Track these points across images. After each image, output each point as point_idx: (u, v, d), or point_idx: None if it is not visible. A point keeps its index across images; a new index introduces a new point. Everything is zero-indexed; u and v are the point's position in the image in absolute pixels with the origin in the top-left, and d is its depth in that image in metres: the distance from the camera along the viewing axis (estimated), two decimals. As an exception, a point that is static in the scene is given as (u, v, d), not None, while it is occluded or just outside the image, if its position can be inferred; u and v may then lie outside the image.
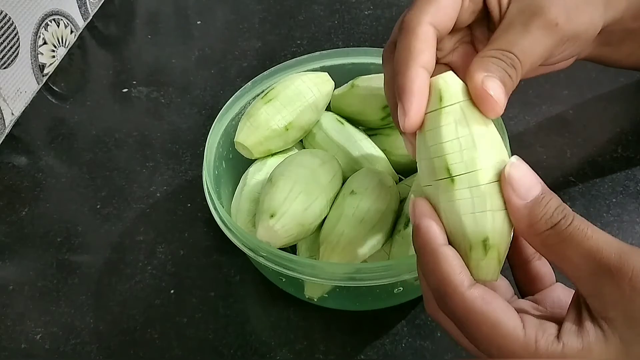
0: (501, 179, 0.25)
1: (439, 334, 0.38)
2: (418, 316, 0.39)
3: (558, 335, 0.24)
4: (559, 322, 0.25)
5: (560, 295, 0.29)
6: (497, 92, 0.26)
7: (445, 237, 0.26)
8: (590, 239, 0.24)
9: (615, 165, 0.47)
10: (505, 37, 0.30)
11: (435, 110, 0.27)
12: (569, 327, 0.24)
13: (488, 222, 0.25)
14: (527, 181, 0.25)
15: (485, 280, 0.26)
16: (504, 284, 0.29)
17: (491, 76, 0.27)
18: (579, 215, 0.25)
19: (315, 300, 0.38)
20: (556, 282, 0.30)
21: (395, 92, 0.28)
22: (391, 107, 0.32)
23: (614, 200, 0.44)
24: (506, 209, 0.25)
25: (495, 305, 0.24)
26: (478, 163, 0.25)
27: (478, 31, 0.34)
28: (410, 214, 0.27)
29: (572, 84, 0.54)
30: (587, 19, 0.32)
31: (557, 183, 0.46)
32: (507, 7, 0.31)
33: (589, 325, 0.24)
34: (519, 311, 0.26)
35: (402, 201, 0.38)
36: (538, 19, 0.30)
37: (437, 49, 0.30)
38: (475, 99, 0.26)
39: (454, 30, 0.33)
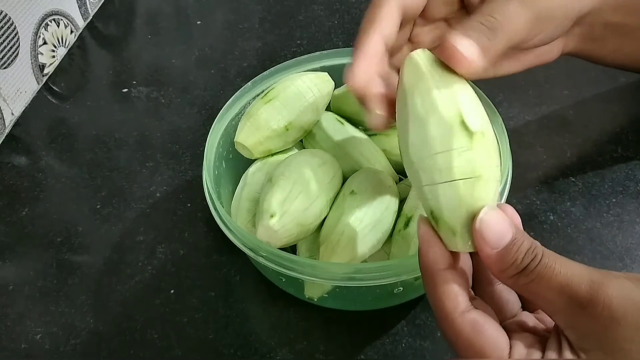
0: (472, 228, 0.25)
1: (439, 334, 0.38)
2: (418, 316, 0.39)
3: None
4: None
5: None
6: (467, 49, 0.27)
7: (449, 260, 0.27)
8: (558, 275, 0.24)
9: (615, 165, 0.47)
10: (485, 8, 0.30)
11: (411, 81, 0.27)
12: (549, 355, 0.25)
13: (435, 195, 0.26)
14: (498, 230, 0.25)
15: (452, 249, 0.27)
16: (513, 298, 0.29)
17: (462, 34, 0.28)
18: (549, 250, 0.25)
19: (315, 300, 0.38)
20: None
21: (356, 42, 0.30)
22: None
23: (614, 200, 0.44)
24: (458, 180, 0.26)
25: (484, 334, 0.25)
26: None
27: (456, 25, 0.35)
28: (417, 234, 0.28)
29: (572, 84, 0.54)
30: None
31: (557, 183, 0.46)
32: None
33: (567, 354, 0.24)
34: (520, 328, 0.26)
35: (402, 201, 0.38)
36: None
37: (412, 41, 0.32)
38: (442, 56, 0.27)
39: (430, 20, 0.33)
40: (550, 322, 0.28)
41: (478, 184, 0.26)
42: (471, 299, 0.26)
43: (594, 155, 0.48)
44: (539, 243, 0.25)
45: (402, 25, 0.33)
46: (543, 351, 0.25)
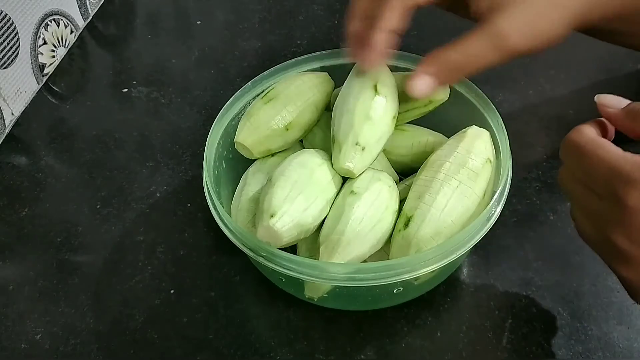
0: (597, 106, 0.33)
1: (439, 334, 0.38)
2: (418, 316, 0.39)
3: None
4: None
5: None
6: (421, 88, 0.35)
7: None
8: None
9: (615, 165, 0.47)
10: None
11: None
12: None
13: None
14: (613, 99, 0.32)
15: None
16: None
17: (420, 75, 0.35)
18: None
19: (315, 300, 0.38)
20: None
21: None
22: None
23: (614, 200, 0.44)
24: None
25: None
26: None
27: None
28: None
29: (572, 84, 0.54)
30: (546, 27, 0.35)
31: (557, 183, 0.46)
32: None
33: None
34: None
35: (402, 201, 0.38)
36: (483, 26, 0.34)
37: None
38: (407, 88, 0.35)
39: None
40: None
41: None
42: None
43: (594, 155, 0.48)
44: None
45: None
46: None
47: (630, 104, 0.31)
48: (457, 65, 0.35)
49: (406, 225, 0.35)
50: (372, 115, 0.37)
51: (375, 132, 0.37)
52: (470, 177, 0.35)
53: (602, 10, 0.36)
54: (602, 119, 0.32)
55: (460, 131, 0.39)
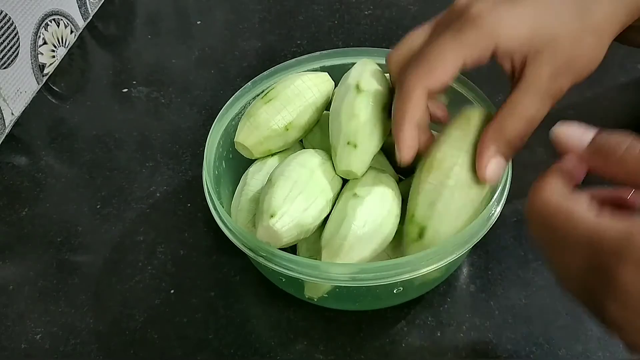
0: (553, 143, 0.27)
1: (438, 334, 0.38)
2: (418, 316, 0.39)
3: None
4: None
5: None
6: (496, 173, 0.34)
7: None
8: None
9: (615, 165, 0.47)
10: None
11: None
12: None
13: None
14: (575, 132, 0.27)
15: None
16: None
17: (492, 158, 0.34)
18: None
19: (315, 300, 0.38)
20: None
21: (394, 129, 0.35)
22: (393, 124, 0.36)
23: (614, 200, 0.44)
24: None
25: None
26: None
27: None
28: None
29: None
30: (585, 59, 0.35)
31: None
32: (522, 69, 0.34)
33: None
34: None
35: (404, 200, 0.38)
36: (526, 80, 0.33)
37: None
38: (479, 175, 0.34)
39: None
40: None
41: None
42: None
43: (594, 155, 0.48)
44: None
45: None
46: None
47: (595, 137, 0.26)
48: (519, 133, 0.34)
49: (421, 235, 0.34)
50: (357, 112, 0.37)
51: (364, 128, 0.37)
52: (479, 180, 0.34)
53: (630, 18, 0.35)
54: (567, 162, 0.28)
55: (463, 115, 0.37)
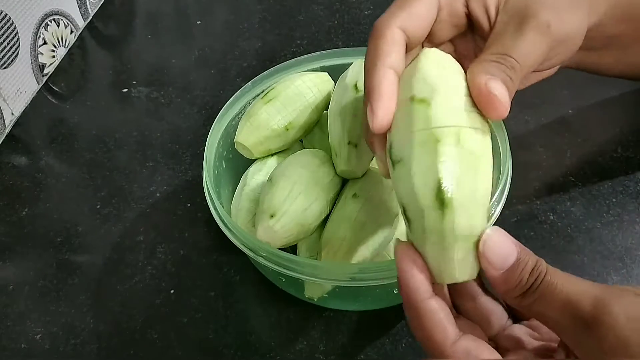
0: (478, 252, 0.25)
1: (439, 334, 0.38)
2: (418, 316, 0.39)
3: None
4: (552, 351, 0.25)
5: None
6: (501, 93, 0.26)
7: (430, 286, 0.25)
8: (561, 292, 0.23)
9: (615, 165, 0.47)
10: (500, 42, 0.30)
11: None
12: None
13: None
14: (502, 251, 0.25)
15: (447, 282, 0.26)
16: (499, 310, 0.28)
17: (494, 78, 0.27)
18: (553, 268, 0.24)
19: (315, 300, 0.38)
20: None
21: (365, 94, 0.28)
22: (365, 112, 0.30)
23: (614, 200, 0.44)
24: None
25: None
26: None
27: (462, 47, 0.34)
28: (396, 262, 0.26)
29: (571, 84, 0.54)
30: (575, 21, 0.32)
31: (557, 183, 0.46)
32: (496, 17, 0.31)
33: None
34: (514, 344, 0.26)
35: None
36: (530, 23, 0.30)
37: None
38: (478, 101, 0.26)
39: (435, 44, 0.33)
40: (546, 331, 0.27)
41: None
42: (456, 320, 0.25)
43: (594, 155, 0.48)
44: (543, 260, 0.25)
45: (408, 49, 0.31)
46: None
47: (516, 261, 0.25)
48: (515, 65, 0.29)
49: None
50: (357, 112, 0.37)
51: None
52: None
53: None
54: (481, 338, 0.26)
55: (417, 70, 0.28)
